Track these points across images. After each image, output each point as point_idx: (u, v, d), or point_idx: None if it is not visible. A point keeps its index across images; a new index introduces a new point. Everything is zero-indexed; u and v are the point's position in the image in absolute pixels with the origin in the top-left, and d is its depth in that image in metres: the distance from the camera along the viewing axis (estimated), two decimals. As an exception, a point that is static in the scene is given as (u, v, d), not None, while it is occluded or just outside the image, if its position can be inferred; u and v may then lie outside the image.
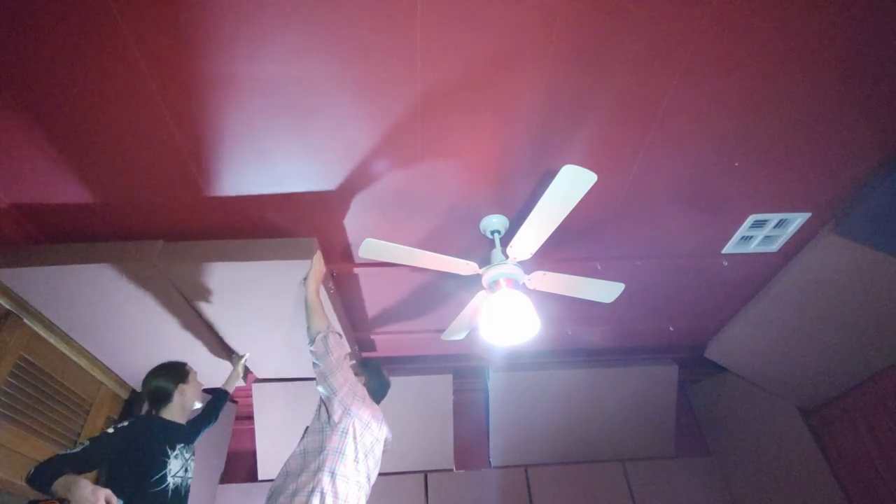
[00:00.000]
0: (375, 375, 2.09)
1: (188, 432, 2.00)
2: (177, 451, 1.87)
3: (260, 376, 3.06)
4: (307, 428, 1.88)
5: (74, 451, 1.62)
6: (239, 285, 2.19)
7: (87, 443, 1.66)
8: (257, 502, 1.77)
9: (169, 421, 1.94)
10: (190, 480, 1.91)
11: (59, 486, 1.45)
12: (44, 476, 1.49)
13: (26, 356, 2.21)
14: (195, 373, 2.13)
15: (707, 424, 3.96)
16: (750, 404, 3.49)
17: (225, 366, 2.70)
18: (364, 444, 1.81)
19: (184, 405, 2.01)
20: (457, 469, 3.61)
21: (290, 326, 2.45)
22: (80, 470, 1.57)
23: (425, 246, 2.05)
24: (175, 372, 2.03)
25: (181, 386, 2.00)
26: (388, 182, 1.93)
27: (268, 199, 1.98)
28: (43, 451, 2.29)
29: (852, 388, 2.92)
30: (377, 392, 2.06)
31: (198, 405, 2.15)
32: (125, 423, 1.81)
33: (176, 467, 1.83)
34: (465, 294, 2.47)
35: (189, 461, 1.93)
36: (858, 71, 1.58)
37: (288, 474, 1.75)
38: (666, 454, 3.73)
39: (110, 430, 1.76)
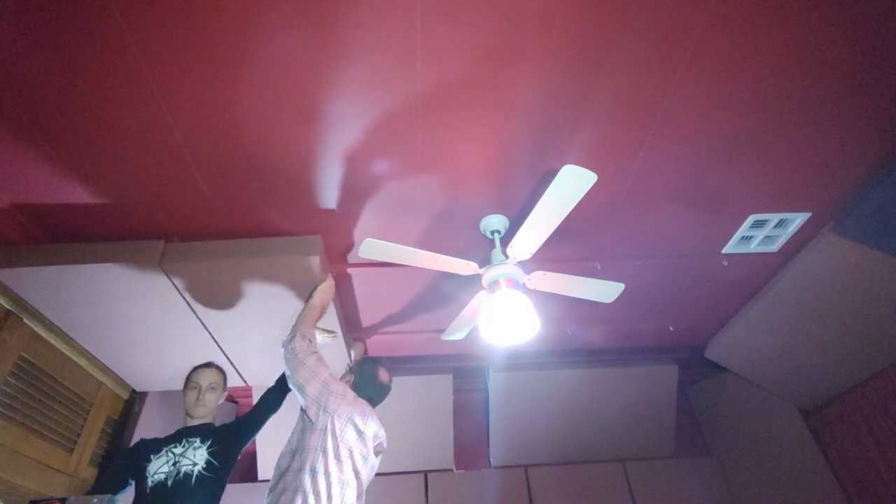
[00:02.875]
0: (367, 379, 2.05)
1: (174, 436, 2.03)
2: (161, 452, 1.95)
3: (254, 382, 3.00)
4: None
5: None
6: (240, 286, 2.18)
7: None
8: (257, 502, 1.76)
9: (151, 439, 2.05)
10: (189, 468, 1.90)
11: None
12: None
13: (26, 356, 2.21)
14: (188, 376, 2.16)
15: (707, 424, 3.95)
16: (750, 404, 3.49)
17: (224, 366, 2.69)
18: (346, 440, 1.77)
19: (185, 406, 2.10)
20: (457, 469, 3.61)
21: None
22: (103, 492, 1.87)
23: (425, 246, 2.05)
24: None
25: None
26: (388, 182, 1.93)
27: (268, 199, 1.98)
28: (43, 451, 2.29)
29: (852, 388, 2.92)
30: (370, 399, 2.00)
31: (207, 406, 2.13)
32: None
33: (156, 466, 1.91)
34: (465, 294, 2.47)
35: (181, 456, 1.93)
36: (858, 71, 1.58)
37: (279, 473, 1.75)
38: (666, 454, 3.73)
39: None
